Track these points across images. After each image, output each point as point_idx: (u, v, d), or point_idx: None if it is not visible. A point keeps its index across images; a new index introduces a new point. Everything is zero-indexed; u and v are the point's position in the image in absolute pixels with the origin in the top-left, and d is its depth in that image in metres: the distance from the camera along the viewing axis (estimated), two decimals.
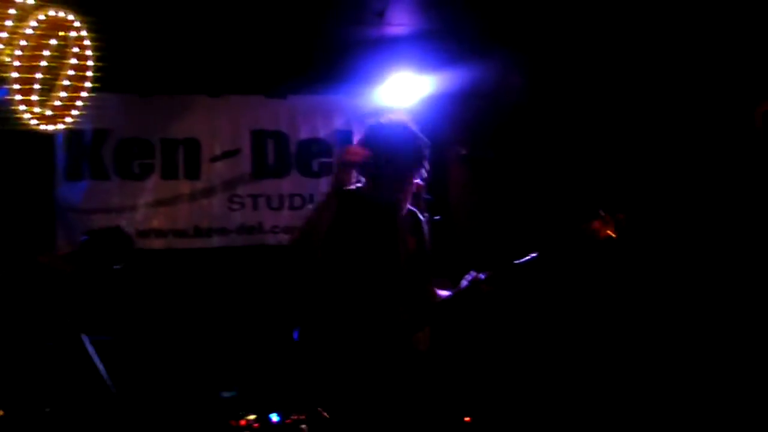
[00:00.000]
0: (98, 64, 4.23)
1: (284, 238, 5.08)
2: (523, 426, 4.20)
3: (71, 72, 4.13)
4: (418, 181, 2.53)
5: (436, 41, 4.74)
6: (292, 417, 4.10)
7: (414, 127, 2.53)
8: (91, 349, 1.48)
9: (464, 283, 2.48)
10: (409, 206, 2.57)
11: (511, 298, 2.59)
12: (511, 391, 4.31)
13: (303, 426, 4.10)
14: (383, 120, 2.56)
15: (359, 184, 2.51)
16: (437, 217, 2.74)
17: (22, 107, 3.88)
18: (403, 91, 4.88)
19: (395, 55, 4.92)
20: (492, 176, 4.41)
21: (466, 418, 3.98)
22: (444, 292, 2.55)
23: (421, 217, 2.65)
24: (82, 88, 4.23)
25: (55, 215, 4.68)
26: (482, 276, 2.44)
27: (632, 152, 4.46)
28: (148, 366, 4.17)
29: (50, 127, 4.13)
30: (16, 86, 3.84)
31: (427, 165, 2.53)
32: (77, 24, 4.08)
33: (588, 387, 4.19)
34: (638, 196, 3.93)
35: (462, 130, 4.81)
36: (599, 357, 4.22)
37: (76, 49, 4.11)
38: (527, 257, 2.41)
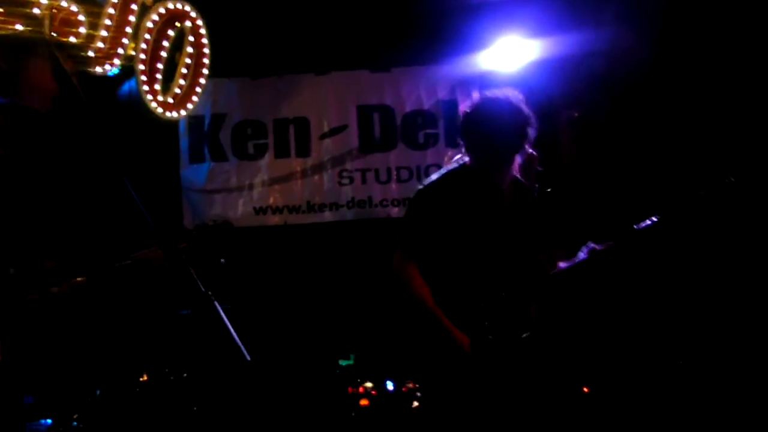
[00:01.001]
0: (212, 51, 4.46)
1: (393, 210, 5.15)
2: (639, 399, 4.04)
3: (189, 60, 4.38)
4: (531, 151, 2.46)
5: (544, 2, 4.54)
6: (408, 385, 4.19)
7: (519, 102, 2.46)
8: (225, 317, 1.58)
9: (582, 255, 2.40)
10: (519, 178, 2.52)
11: (631, 267, 2.48)
12: (628, 362, 4.15)
13: (418, 393, 4.18)
14: (486, 97, 2.51)
15: (464, 160, 2.49)
16: (549, 190, 2.66)
17: (148, 97, 4.18)
18: (509, 56, 4.74)
19: (499, 19, 4.78)
20: (606, 140, 4.20)
21: (585, 389, 3.89)
22: (563, 263, 2.49)
23: (532, 189, 2.59)
24: (201, 75, 4.49)
25: (182, 196, 5.01)
26: (599, 247, 2.36)
27: (750, 121, 4.06)
28: (268, 336, 4.41)
29: (173, 114, 4.43)
30: (143, 78, 4.13)
31: (531, 139, 2.45)
32: (193, 14, 4.32)
33: (708, 361, 3.95)
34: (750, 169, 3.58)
35: (574, 94, 4.60)
36: (716, 328, 3.96)
37: (192, 39, 4.36)
38: (647, 222, 2.29)
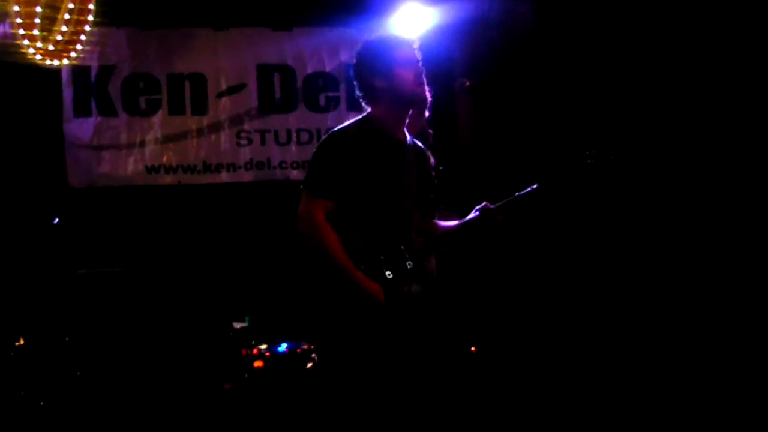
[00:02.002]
0: None
1: (293, 173, 5.10)
2: (527, 358, 4.30)
3: (72, 5, 4.08)
4: (429, 130, 2.48)
5: None
6: (303, 347, 4.23)
7: (406, 43, 2.46)
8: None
9: (474, 213, 2.49)
10: (413, 140, 2.56)
11: (514, 230, 2.59)
12: (515, 323, 4.40)
13: (313, 355, 4.23)
14: (373, 38, 2.50)
15: (361, 116, 2.50)
16: (441, 168, 2.71)
17: (24, 42, 3.86)
18: (411, 22, 4.76)
19: None
20: (499, 108, 4.35)
21: (472, 348, 4.09)
22: (450, 223, 2.56)
23: (427, 151, 2.64)
24: (85, 22, 4.19)
25: (65, 152, 4.71)
26: (491, 206, 2.45)
27: (639, 89, 4.34)
28: (161, 297, 4.29)
29: (54, 62, 4.12)
30: (18, 20, 3.80)
31: (424, 87, 2.44)
32: None
33: (588, 322, 4.26)
34: (637, 133, 3.86)
35: (469, 62, 4.72)
36: (598, 291, 4.27)
37: None
38: (527, 189, 2.41)
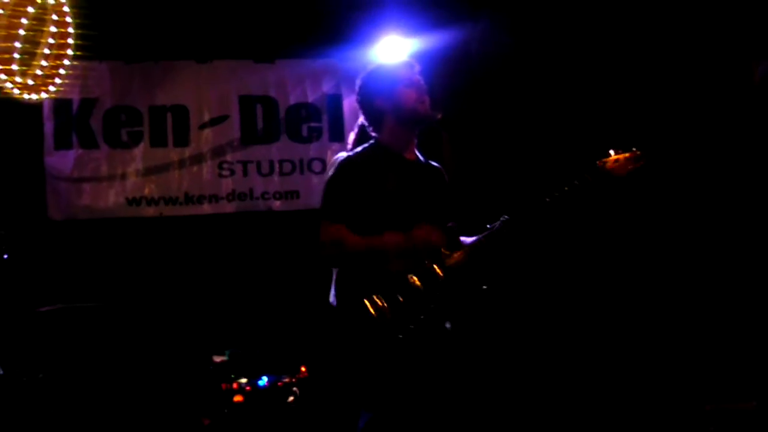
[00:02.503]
0: (80, 31, 4.19)
1: (275, 204, 5.09)
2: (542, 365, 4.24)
3: (51, 40, 4.09)
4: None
5: (425, 3, 4.65)
6: (283, 380, 4.17)
7: (406, 68, 2.53)
8: None
9: (496, 224, 2.45)
10: (427, 159, 2.55)
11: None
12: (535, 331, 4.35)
13: (294, 389, 4.17)
14: (374, 67, 2.58)
15: (368, 143, 2.49)
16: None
17: (2, 76, 3.86)
18: (391, 55, 4.80)
19: (384, 18, 4.84)
20: (469, 139, 4.40)
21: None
22: (468, 239, 2.51)
23: (441, 168, 2.61)
24: (65, 56, 4.20)
25: (45, 185, 4.69)
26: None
27: (624, 112, 4.40)
28: (140, 331, 4.24)
29: (34, 96, 4.12)
30: None
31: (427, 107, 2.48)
32: None
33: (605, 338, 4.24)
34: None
35: (447, 92, 4.76)
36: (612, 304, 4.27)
37: (55, 17, 4.07)
38: (496, 223, 2.40)
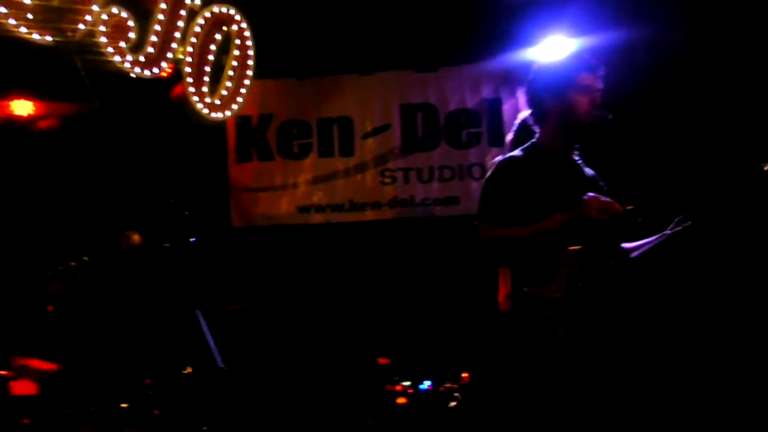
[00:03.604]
0: (258, 53, 4.58)
1: (435, 209, 5.15)
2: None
3: (235, 63, 4.52)
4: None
5: (585, 1, 4.45)
6: (445, 385, 4.19)
7: (582, 62, 2.35)
8: (203, 324, 1.61)
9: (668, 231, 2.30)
10: (584, 164, 2.42)
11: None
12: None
13: (456, 394, 4.17)
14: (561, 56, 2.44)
15: (528, 143, 2.41)
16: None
17: (194, 98, 4.32)
18: (553, 54, 4.64)
19: (543, 18, 4.70)
20: (635, 139, 4.10)
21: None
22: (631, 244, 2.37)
23: (596, 175, 2.45)
24: (246, 77, 4.62)
25: (230, 194, 5.16)
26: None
27: None
28: (311, 333, 4.49)
29: (220, 115, 4.57)
30: (189, 80, 4.28)
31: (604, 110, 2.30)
32: (238, 18, 4.44)
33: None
34: None
35: (614, 88, 4.49)
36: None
37: (238, 42, 4.49)
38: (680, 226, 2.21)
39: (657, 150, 4.27)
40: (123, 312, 3.53)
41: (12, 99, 3.52)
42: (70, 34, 1.53)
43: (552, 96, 2.33)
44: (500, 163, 2.36)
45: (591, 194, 2.21)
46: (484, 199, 2.32)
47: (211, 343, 1.60)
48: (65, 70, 2.05)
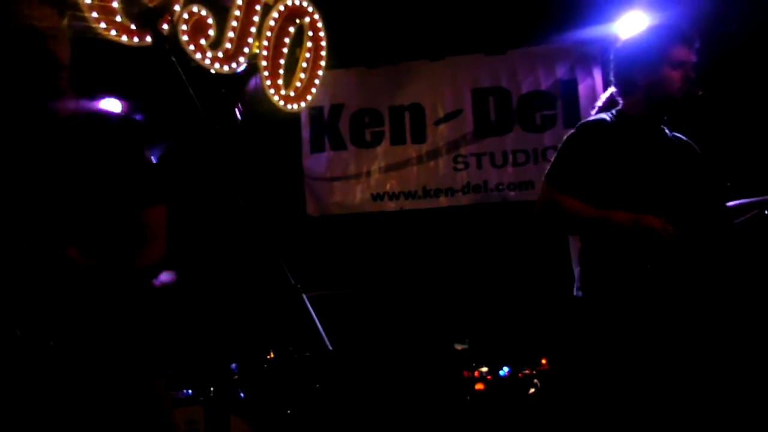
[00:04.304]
0: (327, 43, 4.62)
1: (509, 194, 5.09)
2: None
3: (308, 55, 4.58)
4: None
5: None
6: (524, 371, 4.16)
7: (674, 32, 2.24)
8: (312, 312, 1.64)
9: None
10: (674, 134, 2.32)
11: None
12: None
13: (535, 381, 4.14)
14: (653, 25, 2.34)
15: (615, 109, 2.32)
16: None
17: (270, 91, 4.42)
18: (627, 32, 4.47)
19: None
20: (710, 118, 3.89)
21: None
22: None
23: (690, 142, 2.35)
24: (319, 68, 4.68)
25: (304, 184, 5.27)
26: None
27: None
28: (385, 318, 4.55)
29: (294, 106, 4.66)
30: (266, 74, 4.38)
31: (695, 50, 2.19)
32: (311, 9, 4.50)
33: None
34: None
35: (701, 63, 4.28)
36: None
37: (311, 34, 4.55)
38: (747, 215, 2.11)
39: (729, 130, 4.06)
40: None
41: (102, 98, 3.71)
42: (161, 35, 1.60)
43: (642, 70, 2.23)
44: (586, 122, 2.28)
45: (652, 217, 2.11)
46: (559, 158, 2.25)
47: (319, 326, 1.64)
48: (158, 70, 2.14)
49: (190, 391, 3.55)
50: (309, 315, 1.57)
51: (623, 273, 2.12)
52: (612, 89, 2.39)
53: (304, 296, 1.60)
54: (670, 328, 2.09)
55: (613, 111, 2.31)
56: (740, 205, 2.31)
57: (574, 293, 2.40)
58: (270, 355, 3.89)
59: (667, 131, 2.32)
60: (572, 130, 2.28)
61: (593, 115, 2.37)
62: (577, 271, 2.40)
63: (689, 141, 2.36)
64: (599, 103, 2.50)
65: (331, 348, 1.58)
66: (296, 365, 3.77)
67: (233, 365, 3.84)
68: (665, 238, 2.06)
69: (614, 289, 2.14)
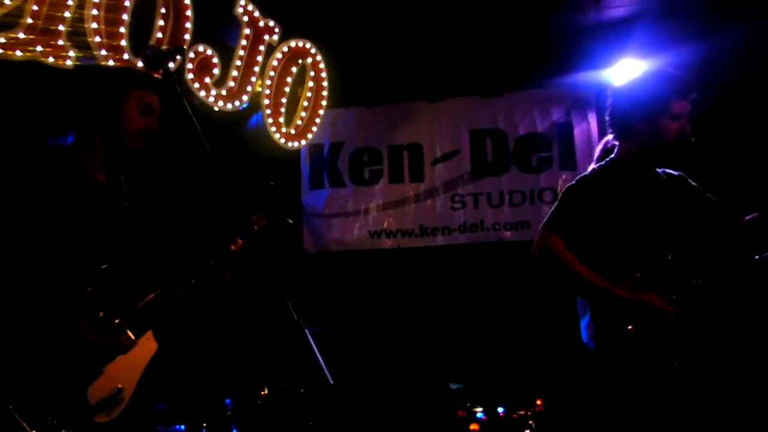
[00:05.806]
0: (331, 82, 4.73)
1: (506, 234, 5.14)
2: None
3: (309, 94, 4.68)
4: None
5: (661, 21, 4.39)
6: (519, 412, 4.14)
7: (668, 76, 2.33)
8: (313, 345, 1.66)
9: None
10: (665, 170, 2.39)
11: None
12: None
13: (530, 422, 4.11)
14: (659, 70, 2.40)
15: (605, 161, 2.40)
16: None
17: (272, 129, 4.51)
18: (624, 78, 4.59)
19: (615, 41, 4.67)
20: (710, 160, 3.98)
21: None
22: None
23: (682, 176, 2.42)
24: (320, 107, 4.78)
25: (302, 220, 5.32)
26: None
27: None
28: (381, 357, 4.54)
29: (295, 144, 4.73)
30: (268, 112, 4.47)
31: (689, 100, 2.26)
32: (313, 51, 4.62)
33: None
34: None
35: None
36: None
37: (312, 73, 4.66)
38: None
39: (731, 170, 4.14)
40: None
41: None
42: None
43: (642, 117, 2.30)
44: (584, 175, 2.38)
45: (650, 295, 2.18)
46: (558, 207, 2.34)
47: (321, 360, 1.66)
48: (166, 109, 2.22)
49: (182, 427, 3.53)
50: (311, 349, 1.59)
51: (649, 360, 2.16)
52: (608, 137, 2.47)
53: (307, 331, 1.63)
54: (688, 399, 2.14)
55: (608, 160, 2.40)
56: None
57: (585, 342, 2.41)
58: (264, 391, 3.87)
59: (659, 172, 2.40)
60: (571, 182, 2.39)
61: (590, 170, 2.44)
62: (584, 321, 2.42)
63: (682, 175, 2.43)
64: (596, 154, 2.57)
65: (332, 382, 1.60)
66: (290, 401, 3.76)
67: (227, 400, 3.83)
68: (666, 321, 2.13)
69: (638, 364, 2.17)
